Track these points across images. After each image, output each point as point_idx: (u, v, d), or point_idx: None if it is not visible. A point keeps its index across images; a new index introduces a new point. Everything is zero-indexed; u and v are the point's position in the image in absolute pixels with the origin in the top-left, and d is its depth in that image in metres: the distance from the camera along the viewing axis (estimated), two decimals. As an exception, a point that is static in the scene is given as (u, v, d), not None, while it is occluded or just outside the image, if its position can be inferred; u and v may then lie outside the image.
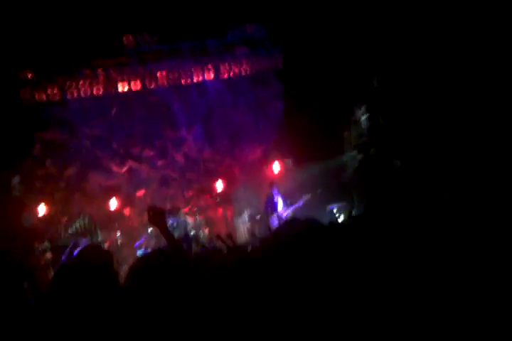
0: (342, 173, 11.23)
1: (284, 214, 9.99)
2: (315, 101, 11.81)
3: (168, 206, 11.19)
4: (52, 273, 9.14)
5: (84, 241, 9.75)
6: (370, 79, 11.22)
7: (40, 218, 10.32)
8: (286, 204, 10.13)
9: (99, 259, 2.99)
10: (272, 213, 10.13)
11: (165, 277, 2.85)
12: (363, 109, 10.88)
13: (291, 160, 11.79)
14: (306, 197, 10.14)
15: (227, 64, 12.74)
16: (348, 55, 11.55)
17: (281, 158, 11.70)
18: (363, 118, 10.86)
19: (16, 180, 10.71)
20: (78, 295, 2.65)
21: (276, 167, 11.37)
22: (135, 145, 11.99)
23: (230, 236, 6.98)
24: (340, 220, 9.20)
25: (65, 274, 2.94)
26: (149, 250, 9.61)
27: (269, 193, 10.36)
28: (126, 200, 11.45)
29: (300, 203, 10.08)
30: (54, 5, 10.87)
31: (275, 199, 10.21)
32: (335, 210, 9.92)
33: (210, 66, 12.66)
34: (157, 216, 3.38)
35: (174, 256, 3.16)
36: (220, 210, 11.32)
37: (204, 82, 12.69)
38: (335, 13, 11.48)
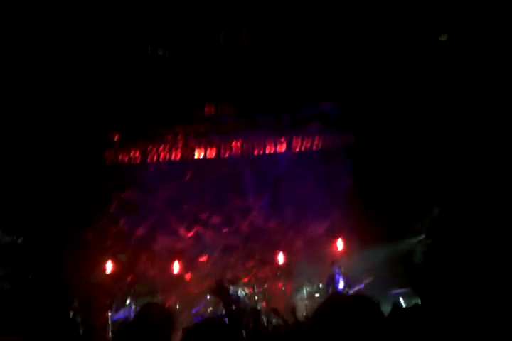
0: (409, 257, 10.92)
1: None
2: (385, 182, 11.82)
3: (228, 275, 11.29)
4: (111, 333, 9.35)
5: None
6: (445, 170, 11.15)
7: (106, 275, 10.66)
8: (348, 285, 9.95)
9: (162, 318, 3.03)
10: (333, 292, 9.95)
11: None
12: (436, 200, 10.75)
13: (356, 239, 11.61)
14: (369, 279, 9.92)
15: (300, 138, 13.06)
16: (421, 137, 11.65)
17: (345, 235, 11.57)
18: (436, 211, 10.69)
19: (89, 235, 11.25)
20: None
21: (340, 244, 11.27)
22: (204, 210, 12.35)
23: (293, 311, 6.95)
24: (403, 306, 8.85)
25: (127, 331, 3.01)
26: (205, 317, 9.65)
27: (331, 272, 10.26)
28: (189, 265, 11.66)
29: (362, 285, 9.86)
30: (142, 72, 11.83)
31: (336, 279, 10.07)
32: (400, 297, 9.57)
33: (283, 139, 13.05)
34: (221, 290, 3.52)
35: (230, 328, 3.20)
36: (280, 284, 11.23)
37: (276, 153, 13.06)
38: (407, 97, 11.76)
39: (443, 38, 11.70)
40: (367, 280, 9.89)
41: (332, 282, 10.12)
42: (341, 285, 9.96)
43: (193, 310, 10.16)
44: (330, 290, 10.00)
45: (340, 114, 13.16)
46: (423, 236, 10.75)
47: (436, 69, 11.28)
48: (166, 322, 3.06)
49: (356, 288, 9.83)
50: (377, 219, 11.32)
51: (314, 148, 13.11)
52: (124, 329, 3.16)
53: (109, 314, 9.69)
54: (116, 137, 12.39)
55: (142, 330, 2.95)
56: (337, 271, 10.17)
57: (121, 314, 10.06)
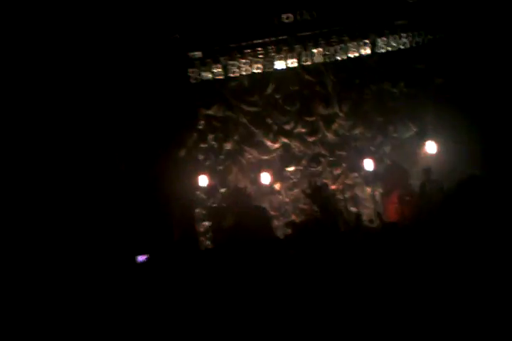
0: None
1: None
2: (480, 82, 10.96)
3: (318, 182, 11.51)
4: (209, 241, 10.12)
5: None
6: None
7: (201, 188, 11.37)
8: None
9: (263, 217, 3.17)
10: None
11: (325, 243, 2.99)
12: None
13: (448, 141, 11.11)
14: None
15: (384, 37, 12.27)
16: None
17: (437, 138, 11.09)
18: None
19: (182, 153, 11.90)
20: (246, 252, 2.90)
21: (431, 147, 10.87)
22: (288, 121, 12.39)
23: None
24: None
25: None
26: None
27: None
28: (278, 175, 12.02)
29: None
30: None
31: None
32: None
33: (367, 40, 12.33)
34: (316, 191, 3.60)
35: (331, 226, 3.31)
36: (368, 189, 11.28)
37: (360, 57, 12.46)
38: None
39: None
40: None
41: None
42: None
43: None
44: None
45: (427, 10, 12.06)
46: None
47: None
48: (266, 221, 3.19)
49: None
50: (469, 119, 10.66)
51: (401, 47, 12.26)
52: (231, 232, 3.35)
53: (206, 224, 10.42)
54: (198, 55, 12.47)
55: (245, 230, 3.09)
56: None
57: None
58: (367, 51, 12.43)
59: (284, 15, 12.38)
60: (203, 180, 11.42)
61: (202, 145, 12.27)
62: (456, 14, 11.61)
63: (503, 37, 10.93)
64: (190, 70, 12.43)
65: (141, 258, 8.50)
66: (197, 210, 11.13)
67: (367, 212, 11.07)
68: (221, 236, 9.87)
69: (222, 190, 12.01)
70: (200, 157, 12.17)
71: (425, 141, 11.15)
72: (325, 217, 9.57)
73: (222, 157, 12.27)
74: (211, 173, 11.86)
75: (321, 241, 3.06)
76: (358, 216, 9.34)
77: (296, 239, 3.25)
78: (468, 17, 11.40)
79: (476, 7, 11.25)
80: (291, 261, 2.92)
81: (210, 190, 11.74)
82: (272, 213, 10.94)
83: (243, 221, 3.49)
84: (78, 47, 10.61)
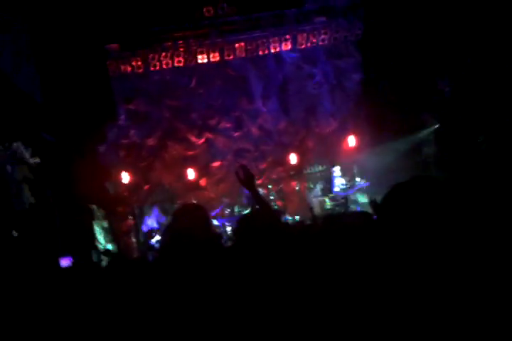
0: (421, 149, 10.91)
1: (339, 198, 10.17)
2: (395, 73, 11.43)
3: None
4: (134, 239, 9.82)
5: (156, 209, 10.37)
6: (457, 49, 10.66)
7: (123, 185, 10.97)
8: (342, 187, 10.21)
9: (200, 214, 3.06)
10: (327, 194, 10.28)
11: (267, 237, 2.89)
12: (447, 80, 10.37)
13: (367, 134, 11.53)
14: (363, 182, 10.04)
15: (305, 34, 12.47)
16: (431, 24, 11.00)
17: (357, 131, 11.47)
18: (447, 89, 10.35)
19: (101, 148, 11.41)
20: (186, 255, 2.74)
21: (351, 141, 11.23)
22: (212, 116, 12.29)
23: (310, 209, 7.22)
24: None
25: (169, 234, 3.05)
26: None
27: (328, 174, 10.51)
28: (203, 171, 11.89)
29: (351, 192, 10.06)
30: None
31: (334, 181, 10.27)
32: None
33: (287, 36, 12.48)
34: (248, 178, 3.47)
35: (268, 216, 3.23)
36: (293, 183, 11.45)
37: (281, 52, 12.60)
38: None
39: None
40: (360, 185, 10.02)
41: (329, 183, 10.36)
42: (336, 187, 10.20)
43: (212, 213, 10.51)
44: (324, 191, 10.26)
45: (347, 5, 12.40)
46: (436, 126, 10.56)
47: None
48: (204, 217, 3.07)
49: (350, 192, 10.04)
50: (388, 113, 11.11)
51: (321, 43, 12.53)
52: (167, 230, 3.18)
53: (132, 222, 10.09)
54: (114, 47, 12.00)
55: (183, 228, 2.94)
56: (333, 172, 10.33)
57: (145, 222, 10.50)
58: (288, 47, 12.57)
59: (205, 9, 12.20)
60: (125, 177, 11.01)
61: (123, 141, 11.83)
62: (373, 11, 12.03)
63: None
64: (108, 63, 11.91)
65: (64, 262, 8.09)
66: (120, 209, 10.70)
67: (291, 207, 11.23)
68: (150, 235, 9.61)
69: (146, 187, 11.68)
70: (122, 153, 11.73)
71: (347, 135, 11.44)
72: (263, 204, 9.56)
73: (144, 153, 11.92)
74: (133, 170, 11.46)
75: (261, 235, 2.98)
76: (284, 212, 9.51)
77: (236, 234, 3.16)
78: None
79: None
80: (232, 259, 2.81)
81: (132, 187, 11.34)
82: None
83: (181, 219, 3.31)
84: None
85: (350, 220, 3.45)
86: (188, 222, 3.07)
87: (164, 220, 10.12)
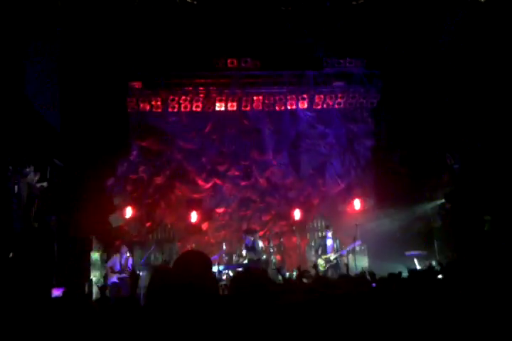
0: (426, 221, 11.08)
1: (332, 259, 10.19)
2: (405, 144, 11.80)
3: (244, 226, 11.50)
4: (128, 273, 9.59)
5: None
6: (468, 127, 11.08)
7: (126, 220, 10.88)
8: (334, 249, 10.27)
9: (202, 264, 3.07)
10: (320, 255, 10.33)
11: (261, 293, 2.92)
12: (457, 157, 10.71)
13: (372, 199, 11.71)
14: (357, 243, 10.15)
15: (322, 95, 12.92)
16: (446, 103, 11.51)
17: (363, 195, 11.66)
18: (456, 167, 10.67)
19: (110, 181, 11.40)
20: (175, 299, 2.73)
21: (356, 204, 11.37)
22: (222, 163, 12.43)
23: (315, 266, 7.19)
24: (418, 268, 9.04)
25: (162, 276, 3.05)
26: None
27: (323, 236, 10.57)
28: (206, 215, 11.86)
29: (344, 252, 10.16)
30: (168, 19, 11.61)
31: (326, 242, 10.37)
32: (415, 258, 9.78)
33: (305, 95, 12.91)
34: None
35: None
36: (294, 239, 11.44)
37: (297, 110, 12.98)
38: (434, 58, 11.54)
39: None
40: (356, 244, 10.10)
41: (323, 244, 10.44)
42: (330, 246, 10.28)
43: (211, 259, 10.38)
44: (320, 252, 10.31)
45: (365, 73, 12.97)
46: (442, 201, 10.79)
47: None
48: (207, 267, 3.08)
49: (343, 252, 10.11)
50: (396, 181, 11.35)
51: (336, 106, 12.98)
52: (163, 274, 3.16)
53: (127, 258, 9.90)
54: (137, 85, 12.28)
55: (181, 278, 2.93)
56: (328, 234, 10.43)
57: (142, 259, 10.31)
58: (304, 105, 12.98)
59: (229, 60, 12.65)
60: (129, 212, 10.93)
61: (132, 176, 11.86)
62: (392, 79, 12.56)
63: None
64: (128, 100, 12.15)
65: (56, 292, 7.88)
66: (118, 243, 10.53)
67: (289, 262, 11.17)
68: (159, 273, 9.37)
69: (148, 224, 11.59)
70: (129, 188, 11.71)
71: (353, 198, 11.60)
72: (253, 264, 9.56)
73: (151, 190, 11.91)
74: (138, 206, 11.40)
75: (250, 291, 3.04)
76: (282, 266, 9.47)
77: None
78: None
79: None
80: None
81: (134, 222, 11.24)
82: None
83: (187, 259, 3.29)
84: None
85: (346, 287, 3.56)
86: (192, 270, 3.08)
87: (130, 262, 9.83)
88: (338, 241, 10.56)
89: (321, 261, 10.25)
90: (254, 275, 3.32)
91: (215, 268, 9.90)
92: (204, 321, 2.55)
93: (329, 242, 10.43)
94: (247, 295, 2.98)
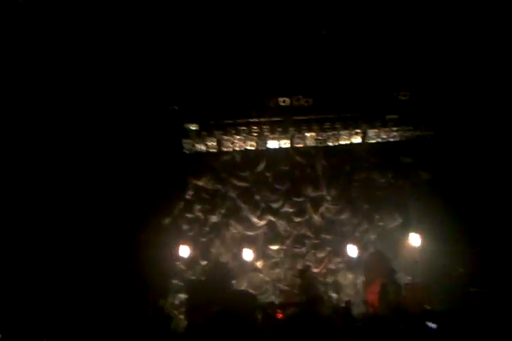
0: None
1: None
2: (464, 179, 11.38)
3: (299, 265, 11.37)
4: (183, 315, 9.65)
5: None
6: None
7: (181, 259, 11.07)
8: None
9: (249, 304, 3.10)
10: None
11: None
12: None
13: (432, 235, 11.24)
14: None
15: (376, 129, 12.76)
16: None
17: (421, 231, 11.22)
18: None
19: (166, 221, 11.73)
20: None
21: (415, 240, 10.96)
22: (276, 200, 12.47)
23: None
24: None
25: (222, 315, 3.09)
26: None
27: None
28: (260, 252, 11.86)
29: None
30: (219, 62, 12.07)
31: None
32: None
33: (358, 130, 12.80)
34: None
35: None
36: (350, 276, 11.14)
37: (350, 145, 12.88)
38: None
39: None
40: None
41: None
42: None
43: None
44: None
45: (417, 107, 12.73)
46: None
47: None
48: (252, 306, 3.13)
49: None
50: (455, 217, 10.90)
51: (391, 139, 12.76)
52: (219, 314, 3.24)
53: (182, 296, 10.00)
54: (193, 127, 12.71)
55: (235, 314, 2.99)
56: None
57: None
58: (358, 140, 12.86)
59: (281, 99, 12.84)
60: (185, 251, 11.13)
61: (188, 215, 12.14)
62: (444, 113, 12.27)
63: (487, 135, 11.49)
64: (184, 141, 12.58)
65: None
66: (174, 281, 10.70)
67: (346, 299, 10.83)
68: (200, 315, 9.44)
69: (203, 263, 11.73)
70: (185, 227, 11.99)
71: (409, 232, 11.21)
72: (307, 301, 9.38)
73: (206, 229, 12.12)
74: (194, 244, 11.61)
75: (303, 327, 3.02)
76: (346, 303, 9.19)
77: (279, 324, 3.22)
78: (455, 116, 12.04)
79: (463, 108, 11.92)
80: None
81: (190, 261, 11.42)
82: (252, 292, 10.57)
83: (229, 305, 3.36)
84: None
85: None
86: (241, 309, 3.11)
87: None
88: None
89: None
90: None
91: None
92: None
93: None
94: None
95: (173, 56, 11.73)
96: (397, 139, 12.71)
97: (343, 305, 8.96)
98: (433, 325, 6.30)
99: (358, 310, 9.45)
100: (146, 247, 10.56)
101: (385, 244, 11.71)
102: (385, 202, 12.33)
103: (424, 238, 11.02)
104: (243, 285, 10.78)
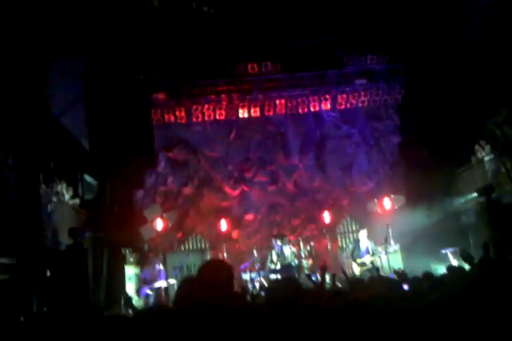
0: (460, 216, 10.82)
1: (367, 261, 10.03)
2: (434, 138, 11.53)
3: (274, 231, 11.51)
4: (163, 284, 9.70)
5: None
6: (495, 119, 10.73)
7: (157, 232, 11.05)
8: (368, 252, 10.10)
9: (224, 273, 3.11)
10: (355, 259, 10.17)
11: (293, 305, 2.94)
12: (488, 149, 10.38)
13: (403, 197, 11.49)
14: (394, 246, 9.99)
15: (344, 95, 12.76)
16: (473, 90, 11.18)
17: (393, 194, 11.46)
18: (487, 158, 10.35)
19: (139, 194, 11.61)
20: (197, 307, 2.78)
21: (386, 203, 11.20)
22: (249, 169, 12.48)
23: (343, 270, 7.17)
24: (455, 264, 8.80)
25: (188, 286, 3.09)
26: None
27: (356, 239, 10.41)
28: (235, 222, 11.93)
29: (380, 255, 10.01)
30: (184, 29, 11.73)
31: (360, 245, 10.21)
32: (449, 255, 9.53)
33: (327, 96, 12.78)
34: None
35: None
36: (325, 242, 11.35)
37: (320, 111, 12.88)
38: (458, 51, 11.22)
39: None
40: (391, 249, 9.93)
41: (356, 246, 10.29)
42: (364, 250, 10.11)
43: (242, 266, 10.45)
44: (354, 255, 10.15)
45: (388, 69, 12.74)
46: (475, 195, 10.47)
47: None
48: (229, 276, 3.10)
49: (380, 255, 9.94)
50: (425, 177, 11.12)
51: (360, 104, 12.79)
52: (188, 282, 3.22)
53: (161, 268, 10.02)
54: (161, 97, 12.43)
55: (207, 282, 2.97)
56: (362, 236, 10.25)
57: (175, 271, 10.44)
58: (328, 106, 12.85)
59: (249, 65, 12.62)
60: (159, 224, 11.08)
61: (161, 188, 12.05)
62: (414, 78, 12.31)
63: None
64: (153, 111, 12.32)
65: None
66: (151, 255, 10.72)
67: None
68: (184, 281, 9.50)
69: (179, 235, 11.76)
70: (158, 200, 11.91)
71: (382, 197, 11.43)
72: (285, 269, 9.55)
73: (180, 201, 12.07)
74: (168, 217, 11.55)
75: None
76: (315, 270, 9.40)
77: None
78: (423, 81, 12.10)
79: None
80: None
81: (165, 234, 11.40)
82: (228, 262, 10.66)
83: (209, 267, 3.34)
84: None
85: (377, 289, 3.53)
86: (213, 279, 3.10)
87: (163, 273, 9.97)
88: (372, 243, 10.37)
89: (355, 265, 10.14)
90: (288, 285, 3.37)
91: (246, 276, 9.95)
92: (229, 330, 2.58)
93: (363, 245, 10.26)
94: (281, 305, 3.04)
95: (140, 24, 11.32)
96: (366, 104, 12.76)
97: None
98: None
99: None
100: (121, 222, 10.45)
101: (357, 209, 11.92)
102: (356, 167, 12.46)
103: (396, 201, 11.28)
104: (220, 256, 10.82)
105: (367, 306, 2.46)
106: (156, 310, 3.07)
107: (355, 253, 10.24)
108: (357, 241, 10.50)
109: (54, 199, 9.66)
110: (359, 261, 10.13)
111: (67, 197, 9.97)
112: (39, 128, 9.28)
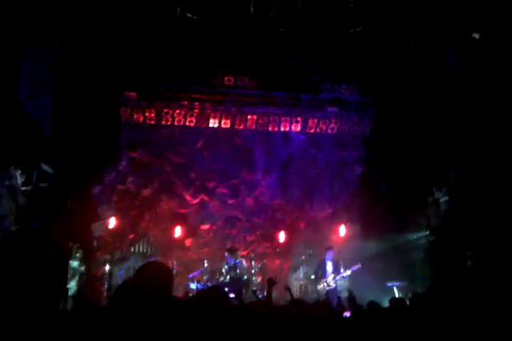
0: (409, 252, 11.10)
1: (331, 282, 10.03)
2: (395, 174, 11.88)
3: (228, 245, 11.38)
4: (106, 285, 9.40)
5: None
6: (455, 163, 11.19)
7: (109, 230, 10.69)
8: (335, 272, 10.14)
9: (162, 276, 3.01)
10: (320, 279, 10.19)
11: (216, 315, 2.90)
12: (444, 191, 10.79)
13: (358, 227, 11.69)
14: (356, 266, 10.02)
15: (316, 119, 12.97)
16: (437, 132, 11.65)
17: (349, 222, 11.65)
18: (443, 200, 10.74)
19: (96, 190, 11.23)
20: (134, 312, 2.70)
21: (342, 230, 11.34)
22: (211, 179, 12.35)
23: (288, 289, 7.14)
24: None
25: (125, 290, 2.99)
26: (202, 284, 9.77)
27: (323, 258, 10.46)
28: (190, 231, 11.72)
29: (343, 276, 10.02)
30: (167, 34, 11.64)
31: (326, 265, 10.26)
32: (395, 288, 9.72)
33: (299, 118, 12.96)
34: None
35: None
36: (277, 261, 11.33)
37: (290, 132, 13.02)
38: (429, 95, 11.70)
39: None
40: (355, 268, 10.00)
41: (322, 266, 10.32)
42: (330, 270, 10.14)
43: (190, 275, 10.26)
44: (319, 274, 10.18)
45: (360, 101, 13.08)
46: (427, 233, 10.83)
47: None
48: (166, 279, 3.02)
49: (344, 275, 9.98)
50: (381, 210, 11.40)
51: (329, 131, 13.03)
52: (124, 284, 3.11)
53: (107, 268, 9.71)
54: (133, 96, 12.22)
55: (143, 286, 2.91)
56: (329, 257, 10.30)
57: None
58: (298, 128, 13.01)
59: (226, 78, 12.66)
60: (112, 222, 10.73)
61: (119, 187, 11.70)
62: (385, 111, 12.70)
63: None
64: (122, 109, 12.06)
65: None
66: (98, 253, 10.32)
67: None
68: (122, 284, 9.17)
69: (130, 236, 11.39)
70: (115, 198, 11.54)
71: (338, 224, 11.57)
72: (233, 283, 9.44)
73: (137, 202, 11.75)
74: (122, 217, 11.22)
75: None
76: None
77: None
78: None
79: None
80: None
81: (117, 233, 11.04)
82: (178, 269, 10.43)
83: (147, 269, 3.28)
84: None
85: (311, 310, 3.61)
86: (150, 282, 3.04)
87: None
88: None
89: (319, 285, 10.12)
90: (213, 294, 3.35)
91: (193, 285, 9.75)
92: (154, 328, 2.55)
93: (329, 265, 10.27)
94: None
95: (118, 23, 11.13)
96: (335, 131, 13.00)
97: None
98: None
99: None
100: (73, 215, 10.03)
101: (313, 233, 11.98)
102: (318, 192, 12.59)
103: (350, 229, 11.45)
104: (170, 262, 10.54)
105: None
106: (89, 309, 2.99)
107: (320, 273, 10.21)
108: (323, 261, 10.46)
109: (6, 183, 9.24)
110: (322, 280, 10.11)
111: (19, 182, 9.53)
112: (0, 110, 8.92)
